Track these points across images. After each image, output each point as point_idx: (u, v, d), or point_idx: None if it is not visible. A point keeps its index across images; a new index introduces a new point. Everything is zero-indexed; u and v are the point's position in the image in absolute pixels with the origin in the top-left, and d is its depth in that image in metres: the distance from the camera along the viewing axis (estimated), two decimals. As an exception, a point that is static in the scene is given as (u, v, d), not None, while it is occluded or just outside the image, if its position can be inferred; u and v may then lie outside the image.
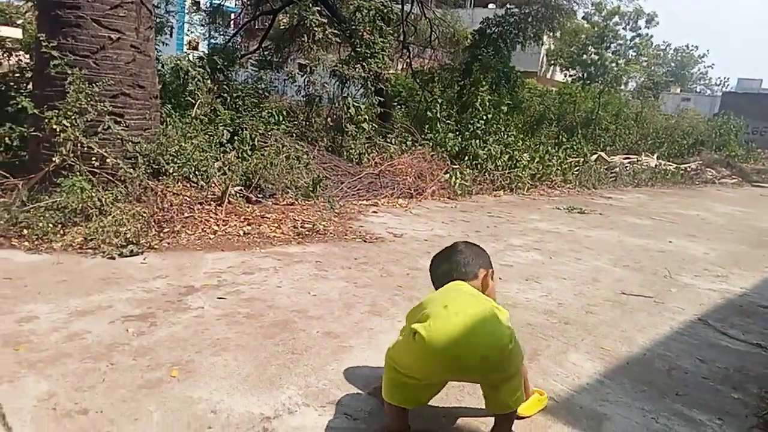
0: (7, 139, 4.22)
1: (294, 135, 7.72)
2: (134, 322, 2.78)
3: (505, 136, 9.31)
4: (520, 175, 8.48)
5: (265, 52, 11.56)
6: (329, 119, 9.33)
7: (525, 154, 8.98)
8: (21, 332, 2.57)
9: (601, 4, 28.28)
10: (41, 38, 4.32)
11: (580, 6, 16.75)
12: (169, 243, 4.07)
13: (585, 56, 28.56)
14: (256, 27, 14.75)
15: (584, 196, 8.90)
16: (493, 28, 13.45)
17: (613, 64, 27.30)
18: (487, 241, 5.09)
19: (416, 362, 1.88)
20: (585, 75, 27.16)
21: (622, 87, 25.53)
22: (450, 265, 2.22)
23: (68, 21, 4.47)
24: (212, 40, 17.36)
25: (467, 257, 2.22)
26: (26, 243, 3.76)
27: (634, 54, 32.33)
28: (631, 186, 10.69)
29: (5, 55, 9.33)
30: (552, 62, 29.67)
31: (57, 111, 4.14)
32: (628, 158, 12.15)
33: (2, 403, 2.01)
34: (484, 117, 9.14)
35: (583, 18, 29.53)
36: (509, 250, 4.87)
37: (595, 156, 11.13)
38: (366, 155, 8.07)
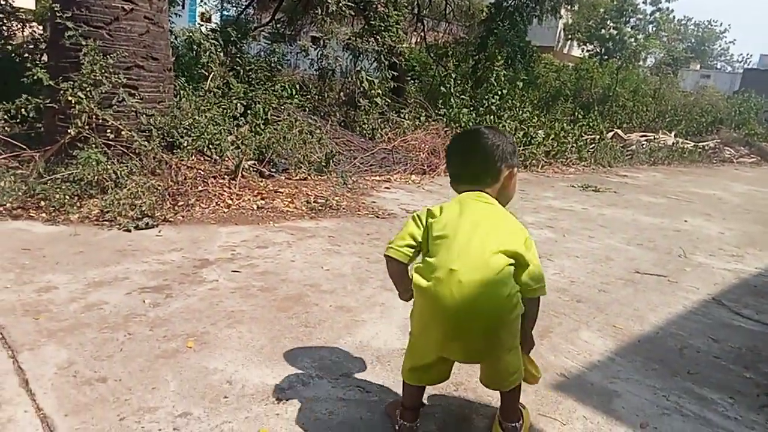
0: (23, 110, 4.24)
1: (307, 109, 7.70)
2: (150, 293, 2.82)
3: (520, 112, 9.21)
4: (535, 152, 8.41)
5: (278, 25, 11.46)
6: (342, 93, 9.27)
7: (540, 131, 8.89)
8: (40, 302, 2.62)
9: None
10: (55, 8, 4.30)
11: (600, -22, 16.37)
12: (183, 216, 4.11)
13: (603, 31, 27.91)
14: (269, -1, 14.61)
15: (599, 174, 8.82)
16: (510, 1, 13.20)
17: (632, 40, 26.68)
18: (500, 218, 5.08)
19: (422, 316, 1.77)
20: (603, 50, 26.59)
21: (641, 63, 25.03)
22: (468, 164, 1.90)
23: (82, -9, 4.45)
24: (225, 12, 17.22)
25: (491, 153, 1.86)
26: (44, 214, 3.81)
27: (654, 29, 31.58)
28: (647, 164, 10.58)
29: (19, 26, 9.36)
30: (569, 37, 29.05)
31: (72, 83, 4.15)
32: (645, 136, 11.99)
33: (25, 369, 2.06)
34: (499, 92, 9.04)
35: (602, -9, 28.75)
36: (522, 227, 4.85)
37: (611, 133, 10.99)
38: (379, 130, 8.03)
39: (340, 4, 8.82)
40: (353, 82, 9.01)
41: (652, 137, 11.90)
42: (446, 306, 1.66)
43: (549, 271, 3.75)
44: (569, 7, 20.20)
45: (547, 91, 13.56)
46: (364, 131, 8.07)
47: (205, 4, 19.84)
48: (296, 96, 7.47)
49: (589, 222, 5.30)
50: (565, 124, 10.04)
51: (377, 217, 4.75)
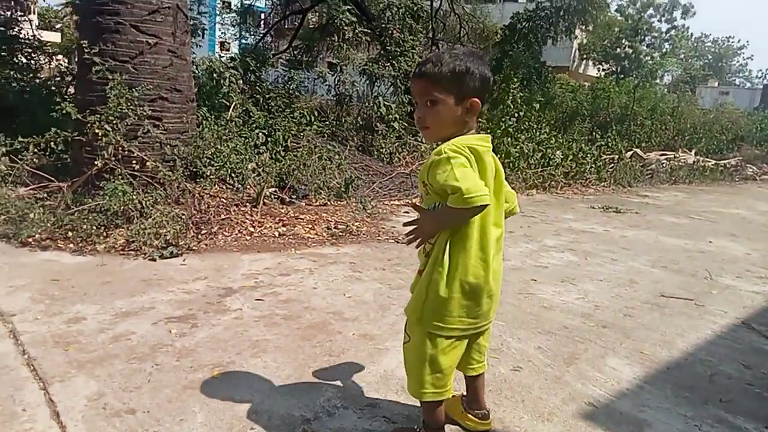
0: (52, 143, 4.37)
1: (325, 135, 7.80)
2: (176, 323, 2.86)
3: (538, 133, 9.20)
4: (554, 173, 8.38)
5: (295, 52, 11.68)
6: (359, 119, 9.38)
7: (558, 152, 8.87)
8: (70, 332, 2.67)
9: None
10: (83, 45, 4.45)
11: (613, -2, 16.46)
12: (206, 245, 4.16)
13: (618, 50, 27.99)
14: (286, 26, 14.92)
15: (619, 194, 8.74)
16: (524, 23, 13.35)
17: (648, 58, 26.69)
18: (521, 241, 5.05)
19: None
20: (619, 69, 26.62)
21: (658, 81, 24.97)
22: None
23: (108, 27, 4.60)
24: (243, 41, 17.64)
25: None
26: (71, 245, 3.89)
27: (670, 47, 31.56)
28: (667, 183, 10.45)
29: (46, 59, 9.69)
30: (584, 56, 29.16)
31: (99, 116, 4.27)
32: (665, 155, 11.87)
33: (56, 401, 2.09)
34: (516, 114, 9.05)
35: (616, 11, 28.95)
36: (543, 250, 4.82)
37: (630, 153, 10.91)
38: (397, 154, 8.09)
39: (357, 31, 8.99)
40: (370, 107, 9.12)
41: (672, 156, 11.78)
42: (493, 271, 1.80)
43: (572, 295, 3.71)
44: (584, 28, 20.31)
45: (563, 111, 13.54)
46: (382, 156, 8.13)
47: (225, 33, 20.37)
48: (315, 122, 7.57)
49: (611, 244, 5.25)
50: (583, 144, 10.00)
51: (397, 242, 4.76)
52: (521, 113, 9.16)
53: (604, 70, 28.38)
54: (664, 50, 30.72)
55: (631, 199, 8.25)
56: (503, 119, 8.94)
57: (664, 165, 11.11)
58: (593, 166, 9.37)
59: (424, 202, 1.80)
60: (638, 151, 11.30)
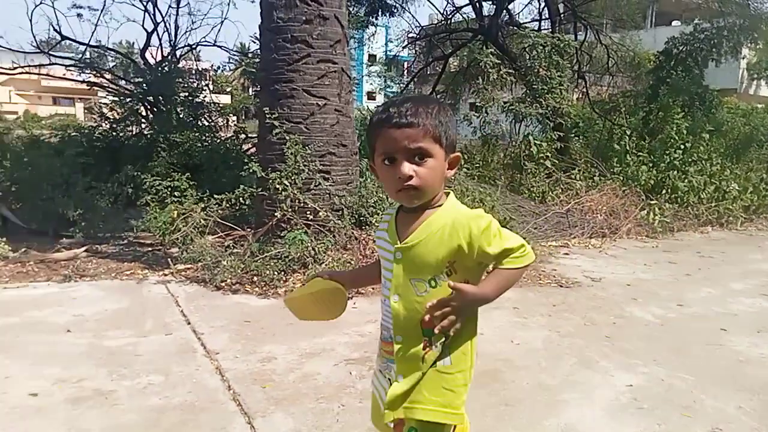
0: (240, 198, 4.94)
1: (475, 177, 7.85)
2: (355, 365, 3.03)
3: (708, 165, 8.38)
4: (731, 207, 7.57)
5: (438, 96, 12.01)
6: (506, 158, 9.32)
7: (734, 184, 8.01)
8: (265, 371, 2.95)
9: (815, 2, 24.45)
10: (265, 111, 5.01)
11: (788, 9, 14.69)
12: (373, 288, 4.36)
13: (797, 65, 24.75)
14: (428, 73, 15.47)
15: (817, 229, 7.64)
16: (680, 47, 12.40)
17: (837, 70, 23.28)
18: (702, 285, 4.63)
19: None
20: (799, 86, 23.52)
21: None
22: None
23: (284, 93, 5.13)
24: (388, 89, 18.60)
25: None
26: (257, 289, 4.32)
27: None
28: None
29: (224, 120, 11.10)
30: (755, 76, 26.21)
31: (279, 173, 4.75)
32: None
33: (262, 436, 2.32)
34: (682, 146, 8.35)
35: (791, 22, 25.78)
36: (730, 296, 4.36)
37: (825, 180, 9.50)
38: (549, 193, 7.88)
39: (501, 72, 9.04)
40: (517, 145, 9.05)
41: None
42: None
43: (774, 348, 3.30)
44: (752, 46, 18.33)
45: (735, 137, 12.22)
46: (533, 195, 7.98)
47: (372, 83, 21.65)
48: (465, 165, 7.66)
49: (814, 288, 4.59)
50: (764, 174, 8.94)
51: (560, 286, 4.61)
52: (688, 144, 8.43)
53: (781, 88, 25.26)
54: None
55: (833, 235, 7.17)
56: (668, 151, 8.29)
57: None
58: (781, 197, 8.31)
59: (436, 289, 1.40)
60: (836, 178, 9.80)
